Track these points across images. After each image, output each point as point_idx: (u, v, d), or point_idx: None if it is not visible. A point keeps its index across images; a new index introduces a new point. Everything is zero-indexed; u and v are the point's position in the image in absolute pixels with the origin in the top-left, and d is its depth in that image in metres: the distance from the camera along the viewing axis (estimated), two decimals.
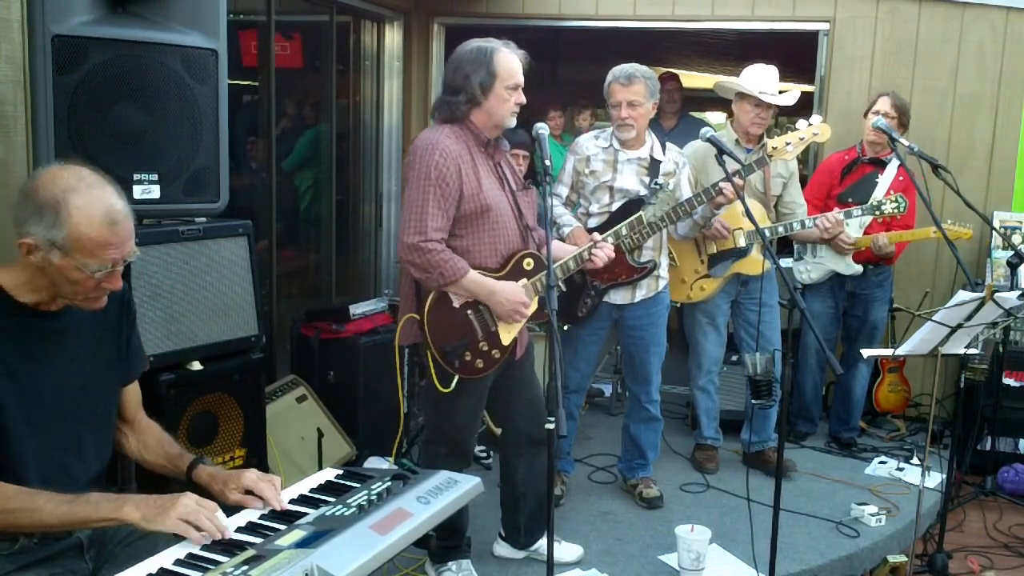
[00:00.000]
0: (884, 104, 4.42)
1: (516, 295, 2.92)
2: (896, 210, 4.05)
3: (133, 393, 2.24)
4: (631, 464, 4.03)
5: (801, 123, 3.66)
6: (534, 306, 3.00)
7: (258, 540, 1.81)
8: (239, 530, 1.89)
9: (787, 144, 3.62)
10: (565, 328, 3.80)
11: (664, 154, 3.75)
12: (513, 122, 2.96)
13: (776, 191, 4.23)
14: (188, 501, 1.83)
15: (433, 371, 2.90)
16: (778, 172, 4.20)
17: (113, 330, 2.13)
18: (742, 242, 4.10)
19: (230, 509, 1.98)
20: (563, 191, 3.82)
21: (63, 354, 2.00)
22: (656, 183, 3.60)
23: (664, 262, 3.81)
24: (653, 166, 3.70)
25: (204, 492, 2.07)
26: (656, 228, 3.59)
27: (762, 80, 4.08)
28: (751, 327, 4.16)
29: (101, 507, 1.84)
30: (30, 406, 1.92)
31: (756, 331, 4.10)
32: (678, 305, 4.20)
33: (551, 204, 3.77)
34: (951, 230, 4.06)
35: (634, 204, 3.64)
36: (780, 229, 4.08)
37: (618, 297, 3.74)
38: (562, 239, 3.61)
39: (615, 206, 3.68)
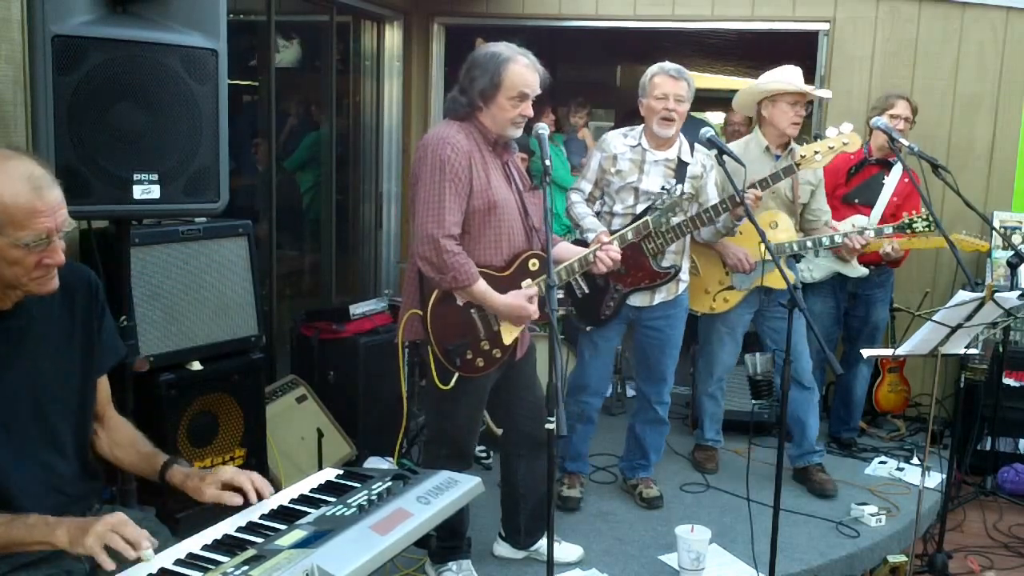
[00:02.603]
0: (904, 108, 4.39)
1: (522, 308, 2.91)
2: (927, 230, 3.88)
3: (102, 387, 2.19)
4: (632, 463, 4.02)
5: (831, 131, 3.57)
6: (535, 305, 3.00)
7: (258, 540, 1.81)
8: (239, 530, 1.89)
9: (816, 153, 3.52)
10: (587, 330, 3.77)
11: (692, 156, 3.69)
12: (516, 134, 2.95)
13: (804, 199, 4.09)
14: (109, 519, 1.73)
15: (434, 368, 2.90)
16: (807, 180, 4.06)
17: (81, 319, 2.09)
18: (768, 256, 3.98)
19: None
20: (587, 187, 3.74)
21: (28, 352, 1.96)
22: (663, 187, 3.56)
23: (686, 265, 3.76)
24: (680, 168, 3.64)
25: (179, 493, 2.05)
26: (680, 232, 3.56)
27: (792, 77, 3.94)
28: (776, 333, 4.00)
29: (35, 530, 1.79)
30: (2, 407, 1.90)
31: (782, 336, 3.92)
32: (699, 315, 4.09)
33: (575, 201, 3.73)
34: (967, 241, 4.00)
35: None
36: (808, 244, 3.93)
37: (636, 300, 3.69)
38: (586, 244, 3.56)
39: (639, 208, 3.61)
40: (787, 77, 3.96)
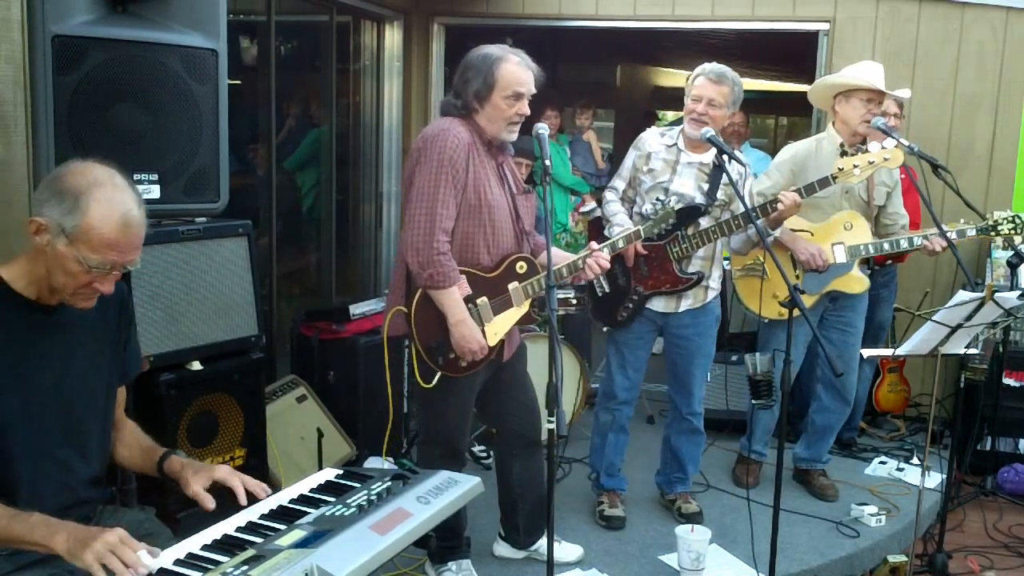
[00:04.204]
0: (891, 104, 4.38)
1: (475, 340, 2.87)
2: (1014, 230, 3.72)
3: (121, 395, 2.24)
4: (669, 478, 3.89)
5: (873, 146, 3.49)
6: (526, 307, 2.99)
7: (258, 540, 1.81)
8: (239, 530, 1.89)
9: (855, 167, 3.42)
10: (604, 330, 3.71)
11: (730, 164, 3.49)
12: (512, 136, 2.95)
13: (880, 201, 3.95)
14: (110, 538, 1.72)
15: (416, 366, 2.90)
16: (882, 180, 3.93)
17: (112, 329, 2.14)
18: (842, 257, 3.80)
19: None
20: (620, 185, 3.67)
21: (64, 349, 2.00)
22: (658, 199, 3.53)
23: (716, 273, 3.64)
24: (715, 173, 3.53)
25: (174, 484, 2.08)
26: (707, 238, 3.49)
27: (871, 74, 3.81)
28: (831, 345, 3.85)
29: (36, 530, 1.79)
30: (30, 399, 1.92)
31: (836, 348, 3.86)
32: (767, 321, 3.94)
33: (609, 200, 3.67)
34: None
35: (691, 211, 3.49)
36: (886, 246, 3.81)
37: (660, 305, 3.60)
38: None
39: None
40: (863, 73, 3.82)
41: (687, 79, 3.59)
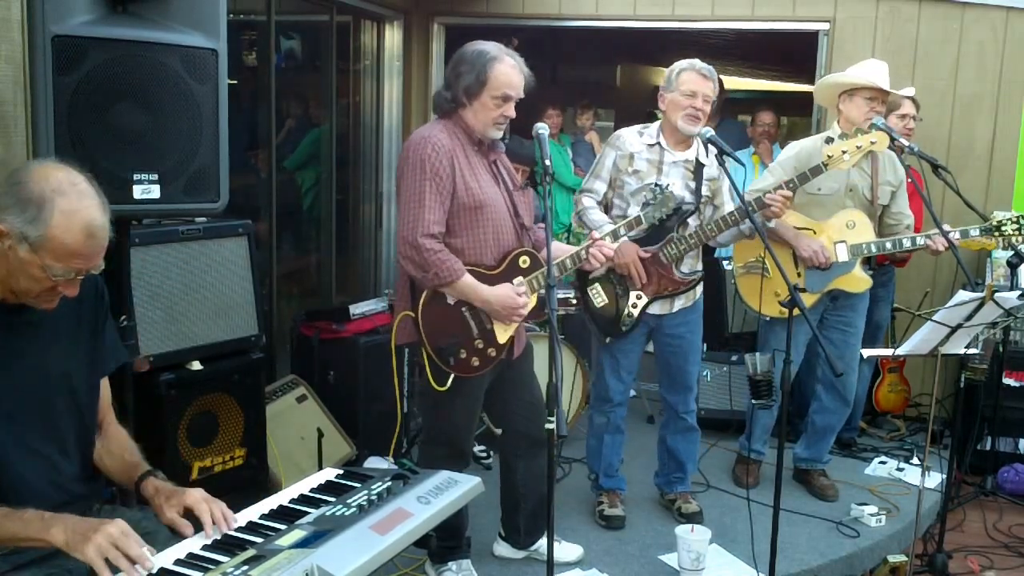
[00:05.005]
0: (911, 107, 4.40)
1: (510, 299, 2.89)
2: (1017, 231, 3.72)
3: (103, 392, 2.20)
4: (668, 478, 3.88)
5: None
6: (533, 301, 2.99)
7: (258, 540, 1.81)
8: (239, 530, 1.89)
9: (843, 152, 3.42)
10: (607, 341, 3.65)
11: (708, 158, 3.52)
12: (497, 135, 2.94)
13: (884, 200, 3.94)
14: (111, 530, 1.71)
15: (429, 369, 2.89)
16: (887, 180, 3.93)
17: (89, 321, 2.11)
18: (844, 256, 3.79)
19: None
20: (600, 187, 3.59)
21: (39, 346, 1.98)
22: (656, 184, 3.52)
23: (699, 268, 3.65)
24: (698, 170, 3.52)
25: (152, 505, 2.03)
26: (703, 236, 3.48)
27: (873, 73, 3.82)
28: (832, 345, 3.84)
29: (30, 525, 1.77)
30: (6, 398, 1.91)
31: (836, 348, 3.85)
32: (767, 319, 3.94)
33: (588, 207, 3.61)
34: (973, 240, 3.94)
35: (681, 213, 3.47)
36: (888, 245, 3.80)
37: (656, 307, 3.58)
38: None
39: None
40: (867, 72, 3.83)
41: (666, 75, 3.54)
